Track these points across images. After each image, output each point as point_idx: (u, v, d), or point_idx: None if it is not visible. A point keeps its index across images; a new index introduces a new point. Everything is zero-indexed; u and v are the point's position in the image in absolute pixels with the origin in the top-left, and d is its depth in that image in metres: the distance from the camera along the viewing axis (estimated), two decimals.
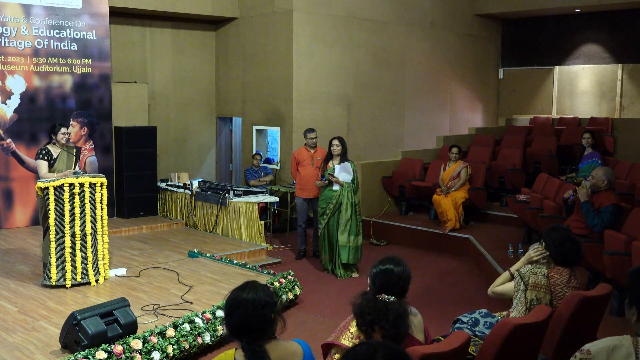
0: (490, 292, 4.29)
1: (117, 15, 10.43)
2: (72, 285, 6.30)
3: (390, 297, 3.09)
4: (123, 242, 8.42)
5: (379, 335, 3.01)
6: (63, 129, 6.80)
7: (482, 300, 6.57)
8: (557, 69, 13.82)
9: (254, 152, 11.08)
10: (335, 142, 7.65)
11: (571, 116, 13.23)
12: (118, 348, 4.56)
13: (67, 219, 6.22)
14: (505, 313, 4.28)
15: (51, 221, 6.17)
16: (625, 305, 2.60)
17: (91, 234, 6.37)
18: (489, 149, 10.98)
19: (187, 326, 5.10)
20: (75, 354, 4.52)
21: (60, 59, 9.37)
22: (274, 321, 2.64)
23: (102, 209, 6.47)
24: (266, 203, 8.99)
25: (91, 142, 9.73)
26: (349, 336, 3.08)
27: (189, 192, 9.61)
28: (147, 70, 11.19)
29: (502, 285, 4.21)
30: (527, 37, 14.10)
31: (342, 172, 7.55)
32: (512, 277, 4.11)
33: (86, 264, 6.36)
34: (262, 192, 9.08)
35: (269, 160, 11.20)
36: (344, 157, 7.66)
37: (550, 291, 3.91)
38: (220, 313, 5.38)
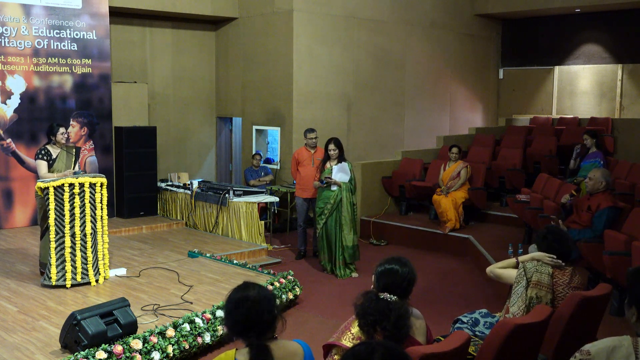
0: (489, 270, 4.27)
1: (117, 15, 10.43)
2: (72, 285, 6.29)
3: (392, 296, 3.09)
4: (123, 242, 8.42)
5: (380, 336, 3.01)
6: (62, 129, 6.80)
7: (482, 300, 6.58)
8: (557, 69, 13.82)
9: (254, 152, 11.08)
10: (331, 146, 7.65)
11: (571, 116, 13.23)
12: (118, 348, 4.56)
13: (67, 219, 6.22)
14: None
15: (51, 221, 6.17)
16: (625, 305, 2.60)
17: (91, 234, 6.37)
18: (489, 149, 10.98)
19: (187, 326, 5.10)
20: (75, 354, 4.52)
21: (60, 59, 9.37)
22: (276, 318, 2.66)
23: (102, 209, 6.47)
24: (266, 203, 8.99)
25: (91, 142, 9.73)
26: (350, 337, 3.08)
27: (189, 192, 9.61)
28: (147, 70, 11.19)
29: (504, 269, 4.18)
30: (527, 37, 14.10)
31: (340, 173, 7.56)
32: (517, 265, 4.10)
33: (86, 264, 6.36)
34: (262, 192, 9.08)
35: (269, 160, 11.21)
36: (341, 158, 7.67)
37: (552, 291, 3.91)
38: (220, 313, 5.38)
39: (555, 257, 4.02)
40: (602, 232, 5.99)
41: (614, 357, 2.47)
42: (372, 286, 3.25)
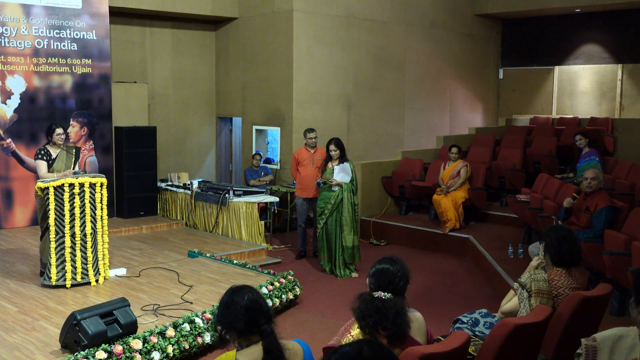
0: (499, 314, 4.26)
1: (117, 15, 10.43)
2: (72, 285, 6.30)
3: (386, 294, 3.09)
4: (123, 242, 8.42)
5: (383, 336, 3.02)
6: (58, 130, 6.79)
7: (482, 300, 6.58)
8: (557, 69, 13.82)
9: (254, 152, 11.08)
10: (332, 147, 7.65)
11: (571, 116, 13.23)
12: (118, 348, 4.57)
13: (67, 219, 6.22)
14: None
15: (51, 221, 6.17)
16: (631, 304, 2.59)
17: (91, 234, 6.37)
18: (489, 149, 10.97)
19: (187, 326, 5.10)
20: (75, 354, 4.52)
21: (60, 59, 9.37)
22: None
23: (102, 209, 6.47)
24: (266, 203, 8.99)
25: (91, 142, 9.73)
26: (350, 339, 3.08)
27: (189, 192, 9.61)
28: (147, 70, 11.19)
29: (508, 302, 4.18)
30: (527, 37, 14.10)
31: (341, 173, 7.57)
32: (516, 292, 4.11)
33: (86, 264, 6.36)
34: (262, 192, 9.08)
35: (269, 160, 11.21)
36: (342, 158, 7.67)
37: (552, 295, 3.91)
38: None
39: (541, 259, 4.05)
40: (601, 232, 5.98)
41: (619, 345, 2.49)
42: (368, 289, 3.26)
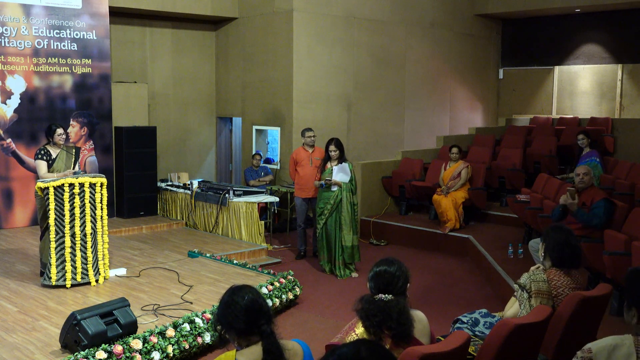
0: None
1: (117, 15, 10.43)
2: (72, 285, 6.30)
3: (387, 295, 3.09)
4: (123, 242, 8.42)
5: (388, 336, 3.02)
6: (59, 130, 6.79)
7: (482, 300, 6.58)
8: (557, 69, 13.82)
9: (254, 152, 11.08)
10: (332, 147, 7.65)
11: (571, 116, 13.23)
12: (118, 348, 4.57)
13: (67, 219, 6.22)
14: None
15: (51, 221, 6.17)
16: (624, 307, 2.58)
17: (91, 234, 6.37)
18: (489, 149, 10.97)
19: (187, 326, 5.10)
20: (75, 354, 4.52)
21: (60, 59, 9.36)
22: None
23: (102, 209, 6.47)
24: (266, 203, 8.99)
25: (91, 142, 9.73)
26: (354, 337, 3.08)
27: (189, 192, 9.61)
28: (147, 70, 11.19)
29: (511, 308, 4.18)
30: (527, 37, 14.10)
31: (340, 173, 7.56)
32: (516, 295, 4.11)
33: (86, 264, 6.36)
34: (262, 192, 9.08)
35: (268, 160, 11.21)
36: (341, 159, 7.67)
37: (552, 295, 3.91)
38: None
39: (539, 267, 4.09)
40: (604, 220, 6.01)
41: (615, 355, 2.47)
42: (369, 292, 3.27)
